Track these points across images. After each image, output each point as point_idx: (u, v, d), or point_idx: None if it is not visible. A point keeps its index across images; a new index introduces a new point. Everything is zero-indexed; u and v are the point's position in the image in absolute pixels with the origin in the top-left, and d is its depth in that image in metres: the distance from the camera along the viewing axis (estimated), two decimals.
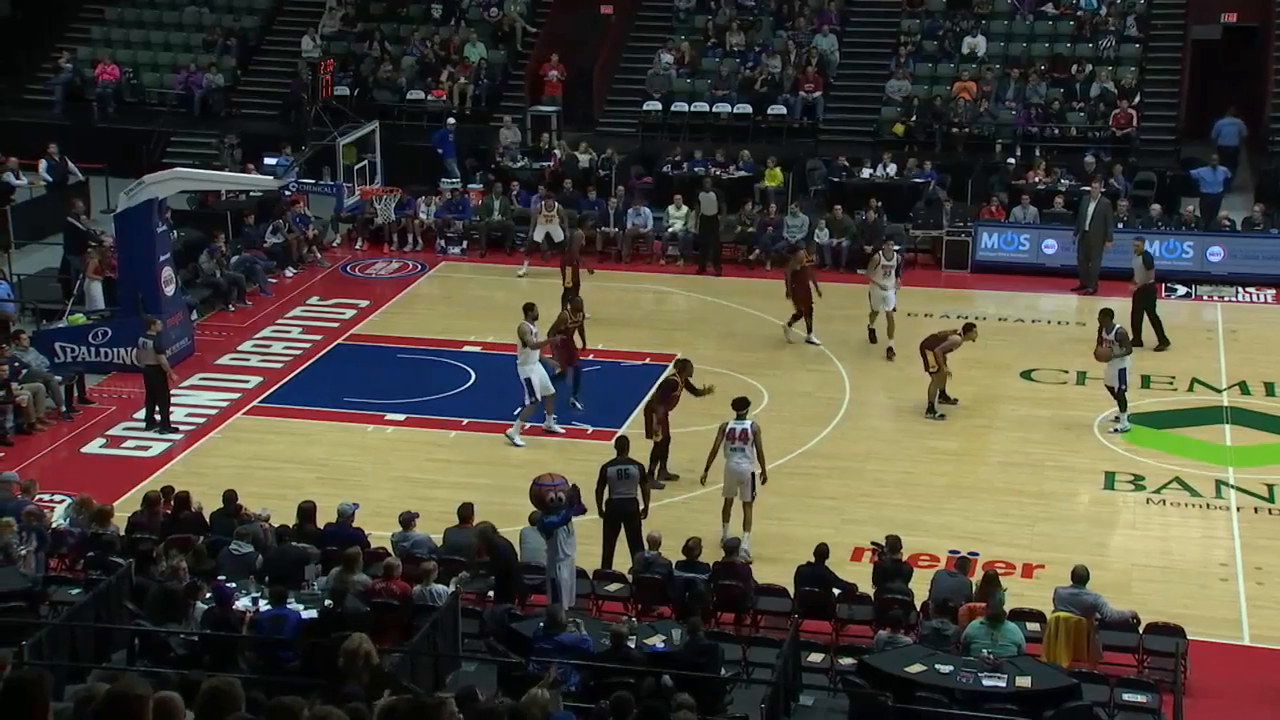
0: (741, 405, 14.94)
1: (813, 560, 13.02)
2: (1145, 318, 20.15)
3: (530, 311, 17.31)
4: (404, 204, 24.91)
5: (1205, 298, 22.61)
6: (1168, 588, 14.07)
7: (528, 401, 17.09)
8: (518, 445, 17.04)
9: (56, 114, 29.08)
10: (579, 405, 17.96)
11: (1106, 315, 17.84)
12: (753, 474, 14.54)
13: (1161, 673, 11.73)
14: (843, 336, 20.78)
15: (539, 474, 13.51)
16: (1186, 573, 14.47)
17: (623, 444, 14.55)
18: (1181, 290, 22.65)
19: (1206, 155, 25.41)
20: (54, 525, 13.94)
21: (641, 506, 14.11)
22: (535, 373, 17.09)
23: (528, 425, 17.26)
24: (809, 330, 20.43)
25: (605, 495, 14.06)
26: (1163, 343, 20.14)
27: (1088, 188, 23.46)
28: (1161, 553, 14.96)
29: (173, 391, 18.44)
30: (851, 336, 20.82)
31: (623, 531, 14.05)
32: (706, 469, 15.02)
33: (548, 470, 13.74)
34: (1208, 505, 15.84)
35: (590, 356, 19.60)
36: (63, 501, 14.63)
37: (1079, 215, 22.74)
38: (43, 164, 25.27)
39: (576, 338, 18.30)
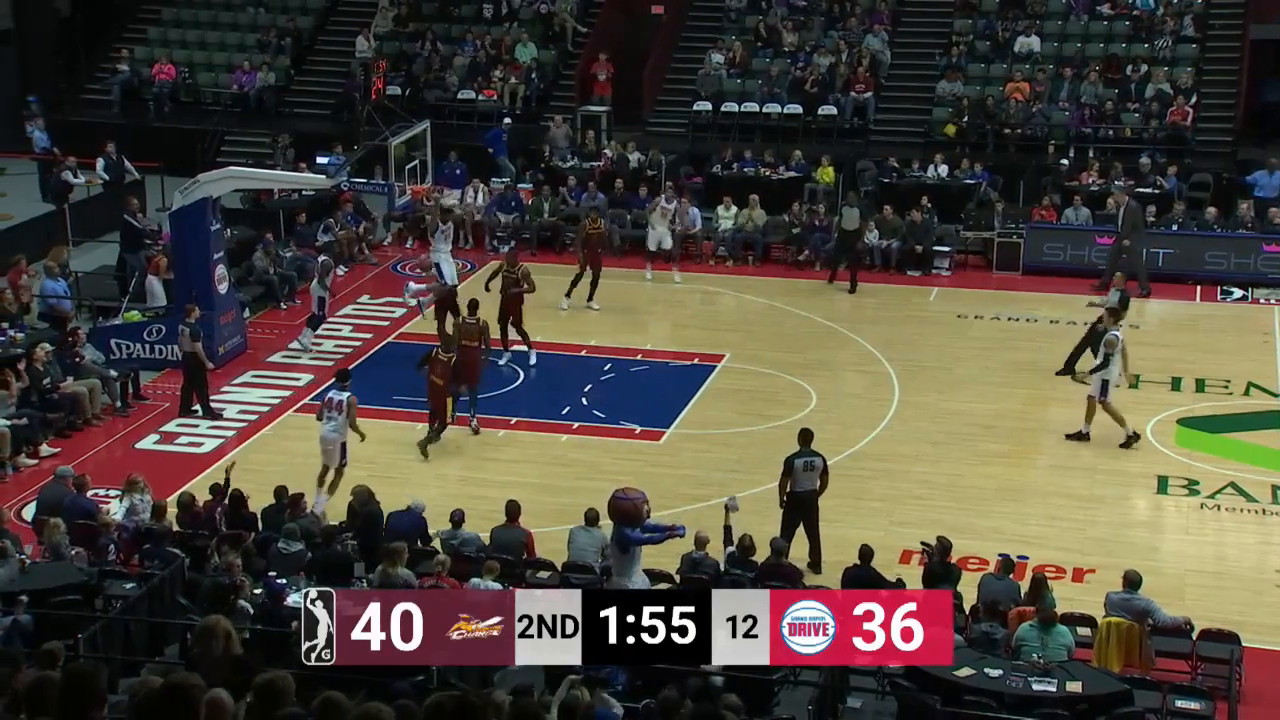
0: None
1: (858, 562, 12.98)
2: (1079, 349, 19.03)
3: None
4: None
5: (1261, 300, 22.33)
6: (1222, 594, 13.90)
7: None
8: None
9: (114, 113, 29.44)
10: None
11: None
12: None
13: (1216, 680, 11.60)
14: (890, 338, 20.70)
15: (618, 487, 12.84)
16: (1241, 579, 14.31)
17: (807, 436, 14.45)
18: (1237, 293, 22.37)
19: (1264, 158, 25.10)
20: (110, 517, 14.12)
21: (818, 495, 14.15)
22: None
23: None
24: (568, 293, 21.35)
25: (788, 487, 14.10)
26: (1067, 369, 19.12)
27: (1142, 189, 23.31)
28: (1216, 558, 14.79)
29: (225, 387, 18.69)
30: (899, 337, 20.74)
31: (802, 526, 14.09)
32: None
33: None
34: (1263, 511, 15.65)
35: (639, 356, 19.65)
36: (117, 497, 14.80)
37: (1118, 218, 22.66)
38: (100, 162, 25.58)
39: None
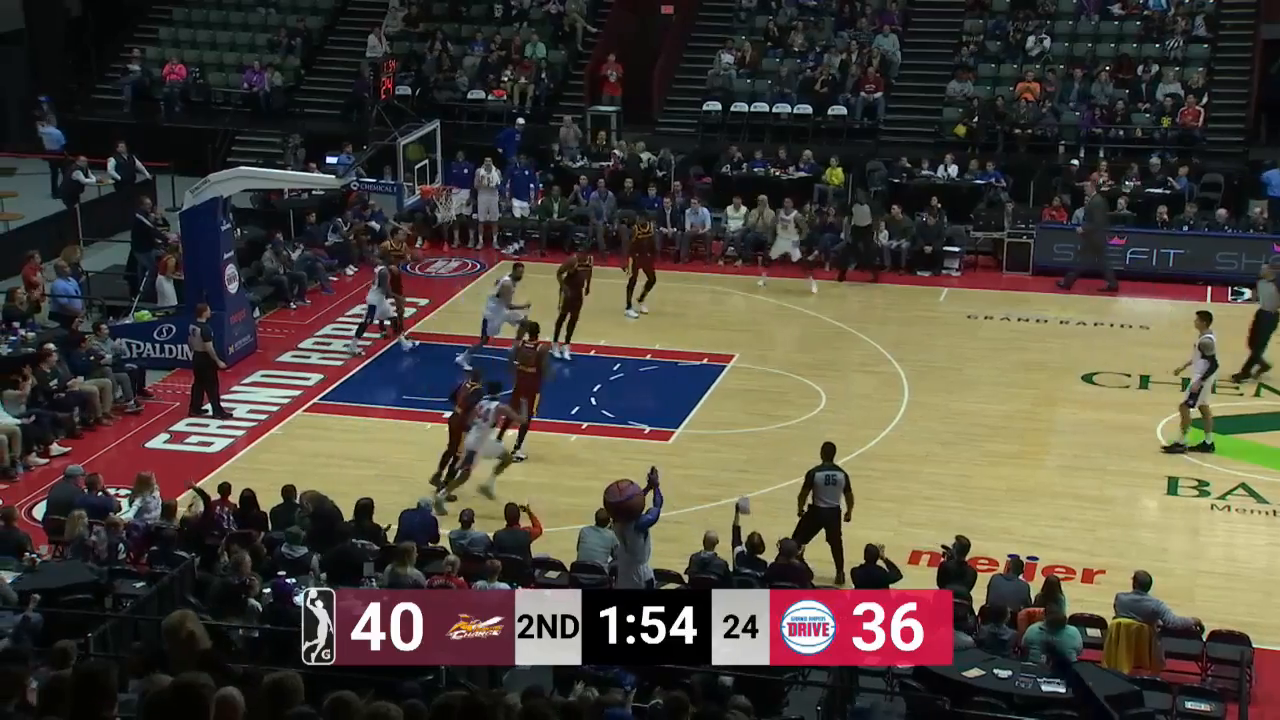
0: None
1: (864, 562, 12.98)
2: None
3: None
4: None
5: None
6: (1232, 595, 13.87)
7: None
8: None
9: (125, 113, 29.49)
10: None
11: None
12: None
13: (1226, 681, 11.58)
14: (899, 338, 20.69)
15: (609, 484, 12.82)
16: (1251, 580, 14.28)
17: (830, 450, 14.31)
18: (1248, 294, 22.28)
19: (1276, 157, 25.05)
20: (122, 516, 14.15)
21: (845, 512, 14.02)
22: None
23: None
24: (629, 303, 21.33)
25: (808, 500, 13.99)
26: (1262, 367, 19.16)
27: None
28: (1226, 559, 14.77)
29: (235, 387, 18.73)
30: (908, 338, 20.72)
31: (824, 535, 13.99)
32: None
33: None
34: (1274, 512, 15.61)
35: (648, 356, 19.63)
36: (127, 497, 14.83)
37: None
38: (111, 162, 25.64)
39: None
